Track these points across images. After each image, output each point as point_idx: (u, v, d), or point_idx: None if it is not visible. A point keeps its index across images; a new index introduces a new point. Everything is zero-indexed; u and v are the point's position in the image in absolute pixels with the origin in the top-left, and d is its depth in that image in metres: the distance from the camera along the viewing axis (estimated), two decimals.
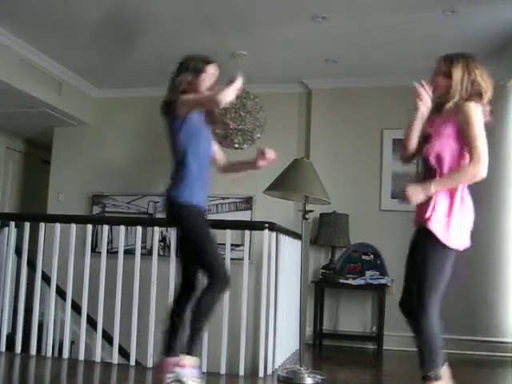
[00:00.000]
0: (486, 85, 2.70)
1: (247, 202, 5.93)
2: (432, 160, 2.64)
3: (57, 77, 5.67)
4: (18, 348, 4.20)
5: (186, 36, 4.74)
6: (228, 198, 5.97)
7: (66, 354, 4.16)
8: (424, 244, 2.60)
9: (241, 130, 5.06)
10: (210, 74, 3.02)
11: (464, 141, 2.61)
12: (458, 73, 2.67)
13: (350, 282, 5.22)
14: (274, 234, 3.98)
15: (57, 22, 4.54)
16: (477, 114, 2.60)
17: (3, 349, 4.25)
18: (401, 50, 4.89)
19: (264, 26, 4.53)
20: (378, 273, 5.26)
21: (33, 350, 4.17)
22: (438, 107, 2.76)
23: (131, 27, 4.62)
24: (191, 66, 3.01)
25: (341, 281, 5.26)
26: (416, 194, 2.60)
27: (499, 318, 5.10)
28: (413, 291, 2.62)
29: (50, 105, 5.65)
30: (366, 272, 5.28)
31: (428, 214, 2.58)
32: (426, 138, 2.75)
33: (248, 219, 5.76)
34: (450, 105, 2.65)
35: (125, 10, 4.32)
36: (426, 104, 2.74)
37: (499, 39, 4.52)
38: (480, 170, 2.55)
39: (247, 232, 4.09)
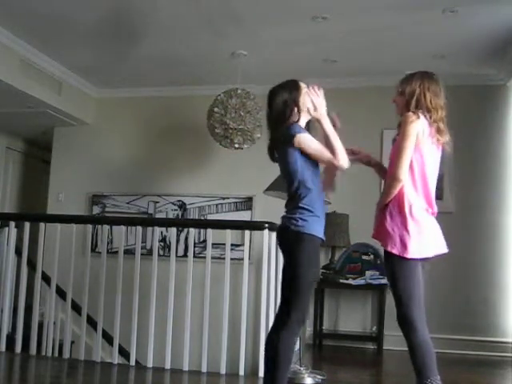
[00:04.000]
0: (435, 104, 2.71)
1: (247, 202, 5.93)
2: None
3: (57, 77, 5.66)
4: (18, 348, 4.20)
5: (186, 36, 4.74)
6: (228, 198, 5.97)
7: (66, 354, 4.16)
8: None
9: (241, 130, 5.06)
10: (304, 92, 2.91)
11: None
12: (409, 88, 2.75)
13: (350, 281, 5.22)
14: (274, 234, 3.98)
15: (57, 22, 4.54)
16: (410, 123, 2.61)
17: (3, 349, 4.26)
18: (401, 50, 4.88)
19: (264, 26, 4.52)
20: (377, 273, 5.26)
21: (33, 350, 4.17)
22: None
23: (131, 27, 4.62)
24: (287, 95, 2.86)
25: (341, 281, 5.26)
26: None
27: (499, 318, 5.10)
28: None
29: (50, 105, 5.64)
30: (366, 272, 5.28)
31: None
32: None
33: (248, 219, 5.76)
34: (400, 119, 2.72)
35: (125, 10, 4.32)
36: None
37: (499, 39, 4.51)
38: (389, 182, 2.65)
39: (247, 232, 4.09)
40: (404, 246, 2.58)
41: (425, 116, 2.66)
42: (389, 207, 2.64)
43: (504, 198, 5.24)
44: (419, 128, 2.62)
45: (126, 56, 5.25)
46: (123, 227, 4.21)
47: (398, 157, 2.60)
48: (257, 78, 5.55)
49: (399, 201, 2.63)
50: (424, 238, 2.63)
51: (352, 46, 4.86)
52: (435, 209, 2.73)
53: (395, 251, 2.59)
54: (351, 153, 2.90)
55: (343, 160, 2.69)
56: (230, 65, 5.21)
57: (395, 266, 2.61)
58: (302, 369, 3.77)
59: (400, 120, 2.75)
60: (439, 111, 2.70)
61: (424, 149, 2.65)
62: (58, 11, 4.32)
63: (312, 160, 2.71)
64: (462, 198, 5.25)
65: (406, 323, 2.58)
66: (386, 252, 2.68)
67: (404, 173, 2.58)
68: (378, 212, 2.72)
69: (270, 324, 3.90)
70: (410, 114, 2.64)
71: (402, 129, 2.64)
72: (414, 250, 2.58)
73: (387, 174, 2.73)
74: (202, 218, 5.96)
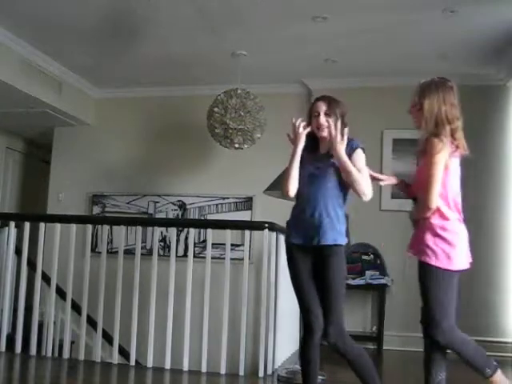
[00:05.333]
0: (452, 117, 2.73)
1: (247, 202, 5.93)
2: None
3: (57, 77, 5.66)
4: (18, 348, 4.19)
5: (186, 36, 4.74)
6: (228, 198, 5.97)
7: (66, 354, 4.16)
8: None
9: (241, 130, 5.06)
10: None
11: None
12: (427, 104, 2.73)
13: (350, 282, 5.22)
14: (273, 233, 3.98)
15: (57, 22, 4.54)
16: (438, 153, 2.63)
17: (3, 349, 4.25)
18: (401, 50, 4.89)
19: (264, 25, 4.52)
20: (377, 273, 5.26)
21: (33, 350, 4.17)
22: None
23: (131, 27, 4.62)
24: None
25: None
26: None
27: (499, 318, 5.10)
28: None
29: (50, 105, 5.65)
30: (366, 272, 5.28)
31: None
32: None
33: (248, 219, 5.76)
34: (422, 138, 2.73)
35: (125, 10, 4.32)
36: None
37: (499, 39, 4.51)
38: (422, 208, 2.72)
39: (247, 232, 4.09)
40: (448, 258, 2.63)
41: (445, 134, 2.67)
42: (427, 223, 2.68)
43: (504, 198, 5.24)
44: (446, 154, 2.66)
45: (126, 56, 5.25)
46: (123, 227, 4.21)
47: (430, 186, 2.63)
48: (257, 77, 5.56)
49: (437, 217, 2.68)
50: (464, 249, 2.70)
51: (352, 46, 4.86)
52: (462, 215, 2.80)
53: (440, 264, 2.63)
54: (374, 179, 2.95)
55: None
56: (230, 65, 5.21)
57: (437, 279, 2.64)
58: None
59: (422, 135, 2.76)
60: (456, 122, 2.72)
61: (450, 166, 2.71)
62: (58, 11, 4.32)
63: None
64: (462, 198, 5.24)
65: (441, 333, 2.62)
66: (424, 265, 2.69)
67: (435, 201, 2.64)
68: (416, 228, 2.77)
69: (270, 324, 3.91)
70: (436, 141, 2.63)
71: (429, 157, 2.64)
72: (458, 261, 2.65)
73: (422, 199, 2.71)
74: (202, 218, 5.96)
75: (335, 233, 2.76)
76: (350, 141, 2.82)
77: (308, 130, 2.81)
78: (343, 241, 2.80)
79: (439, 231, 2.66)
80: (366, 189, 2.75)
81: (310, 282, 2.80)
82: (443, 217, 2.68)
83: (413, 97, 2.80)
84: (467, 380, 3.05)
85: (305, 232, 2.77)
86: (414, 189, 2.85)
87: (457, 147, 2.72)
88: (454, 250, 2.64)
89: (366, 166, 2.82)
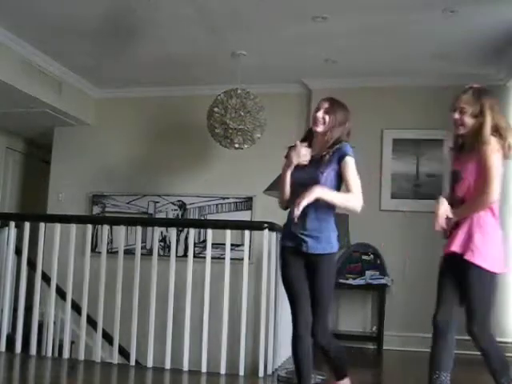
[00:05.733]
0: (506, 123, 2.73)
1: (247, 202, 5.93)
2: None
3: (57, 77, 5.66)
4: (18, 348, 4.19)
5: (186, 36, 4.74)
6: (228, 198, 5.97)
7: (66, 354, 4.16)
8: None
9: (241, 130, 5.06)
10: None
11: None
12: (481, 117, 2.68)
13: (350, 281, 5.22)
14: (274, 233, 3.98)
15: (57, 22, 4.54)
16: (495, 156, 2.63)
17: (3, 349, 4.25)
18: (401, 50, 4.89)
19: (264, 25, 4.52)
20: (377, 273, 5.26)
21: (33, 350, 4.17)
22: (461, 145, 2.79)
23: (131, 27, 4.62)
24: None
25: (341, 281, 5.25)
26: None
27: (499, 318, 5.10)
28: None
29: (50, 105, 5.65)
30: (366, 272, 5.28)
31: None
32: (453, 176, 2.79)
33: (248, 219, 5.76)
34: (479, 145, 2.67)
35: (125, 10, 4.32)
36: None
37: (499, 39, 4.51)
38: (483, 202, 2.67)
39: (247, 232, 4.09)
40: (495, 260, 2.64)
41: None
42: (478, 223, 2.64)
43: (504, 198, 5.23)
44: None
45: (126, 56, 5.25)
46: (123, 227, 4.20)
47: (492, 177, 2.61)
48: (257, 78, 5.56)
49: (490, 217, 2.67)
50: (504, 253, 2.71)
51: (352, 46, 4.86)
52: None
53: (486, 266, 2.61)
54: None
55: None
56: (230, 65, 5.21)
57: (481, 279, 2.63)
58: None
59: (468, 139, 2.74)
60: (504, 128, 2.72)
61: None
62: (58, 11, 4.32)
63: None
64: None
65: (484, 333, 2.69)
66: (468, 265, 2.65)
67: (497, 193, 2.64)
68: (462, 226, 2.68)
69: (270, 324, 3.91)
70: (494, 139, 2.64)
71: (487, 150, 2.62)
72: (502, 264, 2.67)
73: (476, 193, 2.67)
74: (202, 218, 5.96)
75: (323, 242, 2.77)
76: (339, 148, 2.85)
77: (304, 159, 2.82)
78: (332, 248, 2.80)
79: (489, 229, 2.65)
80: (356, 204, 2.76)
81: (301, 283, 2.85)
82: (494, 216, 2.69)
83: (458, 105, 2.74)
84: (471, 381, 3.05)
85: (295, 237, 2.80)
86: (461, 190, 2.77)
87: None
88: (499, 254, 2.66)
89: (355, 174, 2.83)
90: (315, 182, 2.74)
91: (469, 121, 2.71)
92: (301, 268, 2.84)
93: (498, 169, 2.64)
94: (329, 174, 2.77)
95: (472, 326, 2.64)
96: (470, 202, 2.68)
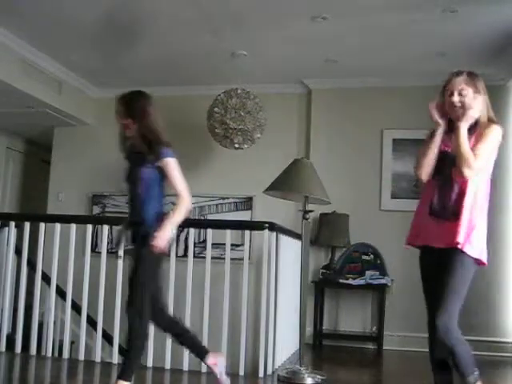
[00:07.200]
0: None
1: (247, 202, 5.93)
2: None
3: (57, 77, 5.66)
4: (18, 348, 4.20)
5: (186, 36, 4.74)
6: (228, 198, 5.97)
7: (65, 354, 4.16)
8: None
9: (241, 130, 5.06)
10: None
11: None
12: (480, 96, 2.70)
13: (350, 282, 5.22)
14: (273, 233, 3.98)
15: (57, 22, 4.54)
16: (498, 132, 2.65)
17: (3, 349, 4.26)
18: (401, 50, 4.89)
19: (264, 25, 4.52)
20: (377, 273, 5.26)
21: (33, 350, 4.17)
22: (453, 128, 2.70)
23: (131, 27, 4.62)
24: None
25: (341, 281, 5.26)
26: None
27: (499, 318, 5.11)
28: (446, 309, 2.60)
29: (50, 105, 5.65)
30: (366, 272, 5.28)
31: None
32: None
33: (248, 219, 5.76)
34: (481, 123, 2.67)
35: (125, 10, 4.32)
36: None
37: (499, 39, 4.51)
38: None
39: (247, 232, 4.09)
40: (483, 253, 2.61)
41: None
42: (476, 214, 2.60)
43: (504, 198, 5.24)
44: None
45: (126, 56, 5.25)
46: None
47: (484, 147, 2.64)
48: (257, 78, 5.56)
49: (484, 208, 2.65)
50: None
51: (352, 46, 4.86)
52: None
53: (474, 255, 2.56)
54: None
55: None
56: (230, 65, 5.21)
57: (469, 270, 2.58)
58: (301, 369, 3.77)
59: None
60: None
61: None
62: (58, 11, 4.32)
63: None
64: None
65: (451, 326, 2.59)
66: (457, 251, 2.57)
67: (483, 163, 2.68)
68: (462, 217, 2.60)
69: (270, 324, 3.91)
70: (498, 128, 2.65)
71: (489, 135, 2.63)
72: (485, 257, 2.63)
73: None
74: (202, 218, 5.96)
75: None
76: (159, 152, 2.98)
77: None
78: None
79: (481, 220, 2.63)
80: None
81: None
82: (486, 209, 2.68)
83: (458, 86, 2.74)
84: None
85: None
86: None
87: None
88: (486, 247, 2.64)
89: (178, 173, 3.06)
90: None
91: (472, 101, 2.67)
92: None
93: (495, 142, 2.64)
94: None
95: (439, 318, 2.55)
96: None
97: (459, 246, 2.53)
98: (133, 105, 3.03)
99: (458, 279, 2.57)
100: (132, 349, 2.84)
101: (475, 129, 2.67)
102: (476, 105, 2.66)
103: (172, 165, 2.98)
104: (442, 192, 2.66)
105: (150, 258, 2.88)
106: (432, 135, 2.73)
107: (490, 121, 2.69)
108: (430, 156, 2.71)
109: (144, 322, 2.88)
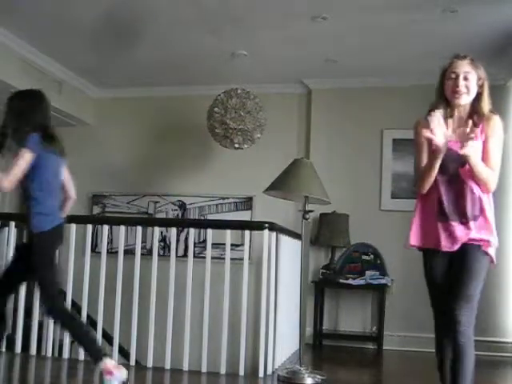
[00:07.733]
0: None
1: (247, 202, 5.93)
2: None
3: (57, 77, 5.66)
4: (18, 348, 4.19)
5: (186, 36, 4.74)
6: (228, 198, 5.97)
7: (65, 354, 4.15)
8: None
9: (241, 130, 5.06)
10: None
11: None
12: (481, 79, 2.58)
13: (350, 282, 5.22)
14: (273, 233, 3.98)
15: (57, 22, 4.54)
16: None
17: (3, 349, 4.25)
18: (401, 50, 4.89)
19: (264, 26, 4.52)
20: (377, 273, 5.26)
21: (33, 350, 4.17)
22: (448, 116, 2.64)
23: (131, 27, 4.62)
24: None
25: (341, 281, 5.26)
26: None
27: (499, 318, 5.11)
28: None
29: (50, 105, 5.63)
30: (366, 272, 5.28)
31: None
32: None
33: (248, 219, 5.76)
34: (482, 113, 2.59)
35: (125, 10, 4.32)
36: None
37: (499, 39, 4.52)
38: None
39: (247, 232, 4.08)
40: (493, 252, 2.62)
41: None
42: (491, 215, 2.65)
43: (504, 198, 5.24)
44: None
45: (126, 56, 5.25)
46: (123, 227, 4.20)
47: (495, 161, 2.61)
48: (257, 78, 5.56)
49: (491, 207, 2.69)
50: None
51: (352, 46, 4.86)
52: None
53: (494, 258, 2.63)
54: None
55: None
56: (230, 65, 5.21)
57: (485, 267, 2.59)
58: (301, 369, 3.77)
59: (464, 109, 2.61)
60: None
61: None
62: (58, 11, 4.32)
63: None
64: None
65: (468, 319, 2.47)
66: (480, 251, 2.59)
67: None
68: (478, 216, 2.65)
69: (270, 324, 3.91)
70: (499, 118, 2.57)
71: (496, 136, 2.57)
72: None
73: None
74: (202, 218, 5.96)
75: None
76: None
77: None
78: None
79: (490, 219, 2.75)
80: None
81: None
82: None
83: (463, 69, 2.57)
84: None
85: None
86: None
87: None
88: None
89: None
90: None
91: (474, 89, 2.54)
92: None
93: (501, 142, 2.58)
94: None
95: (462, 310, 2.43)
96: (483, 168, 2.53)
97: (483, 248, 2.52)
98: None
99: (481, 269, 2.57)
100: (75, 334, 3.01)
101: (479, 119, 2.58)
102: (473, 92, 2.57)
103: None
104: (452, 193, 2.59)
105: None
106: (430, 111, 2.68)
107: (491, 112, 2.62)
108: (433, 176, 2.62)
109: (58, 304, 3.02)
